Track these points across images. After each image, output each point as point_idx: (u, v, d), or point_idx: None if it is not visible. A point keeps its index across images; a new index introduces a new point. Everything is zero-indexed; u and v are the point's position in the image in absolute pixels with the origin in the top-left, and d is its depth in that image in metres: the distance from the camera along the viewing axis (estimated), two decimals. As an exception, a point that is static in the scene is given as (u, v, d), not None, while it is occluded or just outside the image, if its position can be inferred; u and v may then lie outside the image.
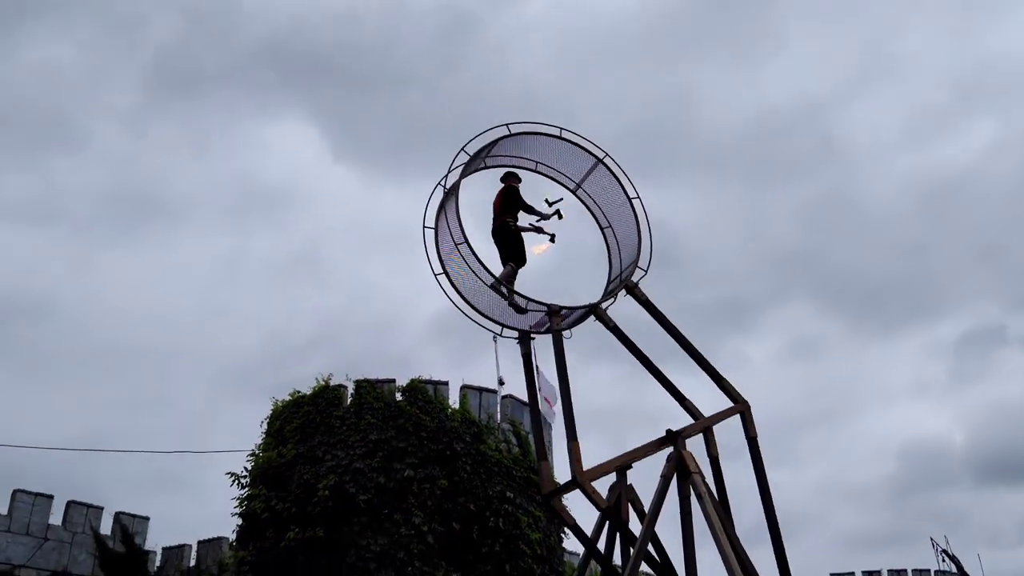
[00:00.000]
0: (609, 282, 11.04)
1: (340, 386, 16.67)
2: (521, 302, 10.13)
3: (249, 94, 71.99)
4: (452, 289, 10.12)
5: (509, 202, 10.94)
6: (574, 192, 11.20)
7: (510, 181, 11.09)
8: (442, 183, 10.03)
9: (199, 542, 22.05)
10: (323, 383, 16.74)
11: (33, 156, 66.35)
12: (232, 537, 17.80)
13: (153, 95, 68.53)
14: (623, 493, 10.08)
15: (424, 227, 9.96)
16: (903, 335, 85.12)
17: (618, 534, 9.89)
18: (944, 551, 22.58)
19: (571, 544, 17.56)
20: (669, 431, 9.99)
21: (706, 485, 9.69)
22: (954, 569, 23.83)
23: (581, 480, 9.21)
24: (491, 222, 10.86)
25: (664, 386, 10.68)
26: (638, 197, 10.67)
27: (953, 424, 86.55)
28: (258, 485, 15.67)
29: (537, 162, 11.03)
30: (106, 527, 22.33)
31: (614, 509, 9.86)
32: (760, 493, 10.33)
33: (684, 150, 79.80)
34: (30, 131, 66.01)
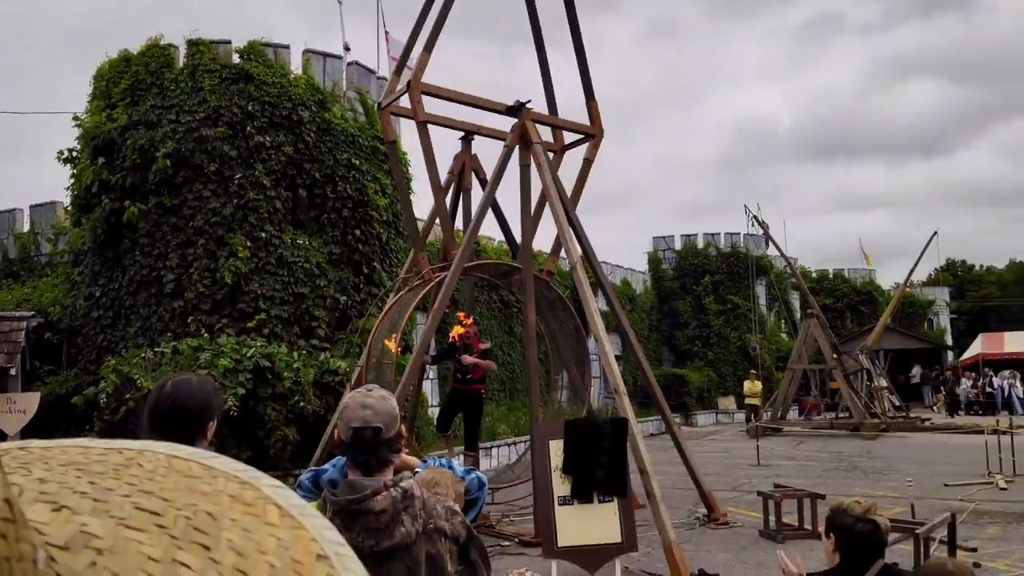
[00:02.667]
0: None
1: (171, 46, 15.53)
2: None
3: None
4: None
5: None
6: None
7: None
8: None
9: (31, 207, 21.35)
10: (152, 42, 15.55)
11: None
12: (67, 202, 17.32)
13: None
14: (467, 161, 10.44)
15: None
16: (755, 19, 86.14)
17: (461, 198, 10.38)
18: (755, 216, 24.90)
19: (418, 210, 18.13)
20: (518, 101, 10.10)
21: (546, 155, 10.11)
22: (761, 232, 26.56)
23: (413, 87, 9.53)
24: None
25: (542, 69, 10.77)
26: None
27: (783, 106, 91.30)
28: (87, 153, 14.99)
29: None
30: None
31: (459, 175, 10.26)
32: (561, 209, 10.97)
33: None
34: None
